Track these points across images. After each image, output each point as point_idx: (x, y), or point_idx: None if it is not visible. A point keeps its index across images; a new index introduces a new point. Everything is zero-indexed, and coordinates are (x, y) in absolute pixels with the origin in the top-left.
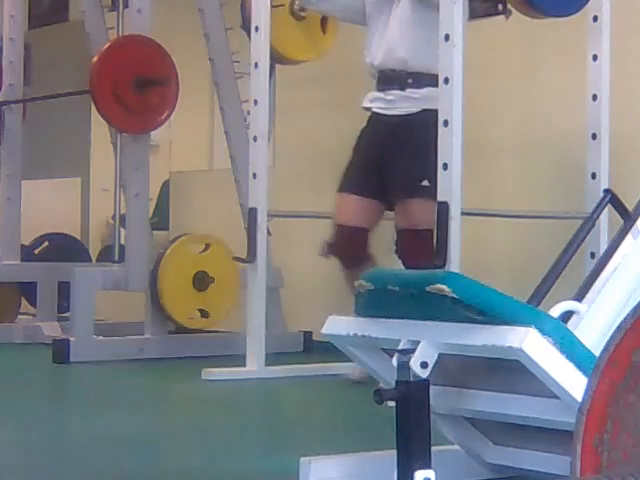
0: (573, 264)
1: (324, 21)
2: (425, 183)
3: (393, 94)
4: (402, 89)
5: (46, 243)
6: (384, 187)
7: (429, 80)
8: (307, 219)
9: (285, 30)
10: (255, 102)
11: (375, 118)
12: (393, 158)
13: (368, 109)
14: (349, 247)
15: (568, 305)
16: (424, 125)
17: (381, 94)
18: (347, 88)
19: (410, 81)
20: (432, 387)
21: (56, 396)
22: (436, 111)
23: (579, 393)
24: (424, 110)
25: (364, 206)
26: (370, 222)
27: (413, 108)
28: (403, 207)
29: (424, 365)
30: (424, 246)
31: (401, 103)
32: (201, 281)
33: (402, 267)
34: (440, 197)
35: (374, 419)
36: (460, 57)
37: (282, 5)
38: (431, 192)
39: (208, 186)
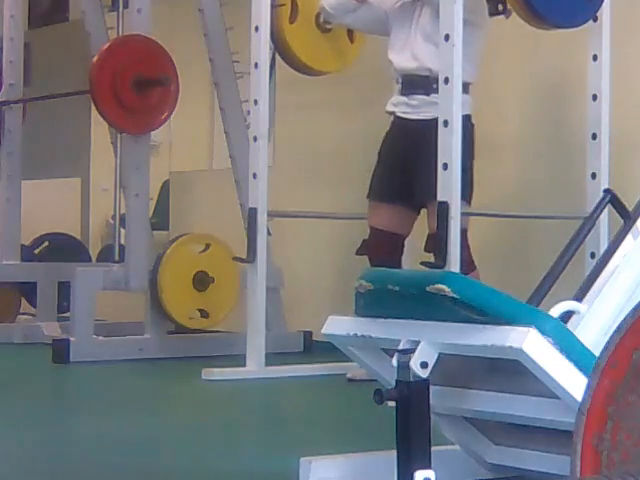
0: (573, 264)
1: (350, 30)
2: None
3: (417, 99)
4: (427, 94)
5: (46, 243)
6: (411, 191)
7: None
8: (307, 219)
9: (311, 42)
10: (255, 102)
11: (399, 122)
12: (419, 161)
13: (391, 113)
14: (383, 250)
15: (568, 305)
16: None
17: (405, 98)
18: (347, 88)
19: (435, 86)
20: (432, 387)
21: (56, 396)
22: (462, 117)
23: (579, 393)
24: None
25: (396, 213)
26: (404, 229)
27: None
28: (432, 208)
29: (424, 365)
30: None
31: (425, 108)
32: (201, 281)
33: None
34: (440, 197)
35: (374, 419)
36: (460, 57)
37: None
38: (462, 192)
39: (208, 186)
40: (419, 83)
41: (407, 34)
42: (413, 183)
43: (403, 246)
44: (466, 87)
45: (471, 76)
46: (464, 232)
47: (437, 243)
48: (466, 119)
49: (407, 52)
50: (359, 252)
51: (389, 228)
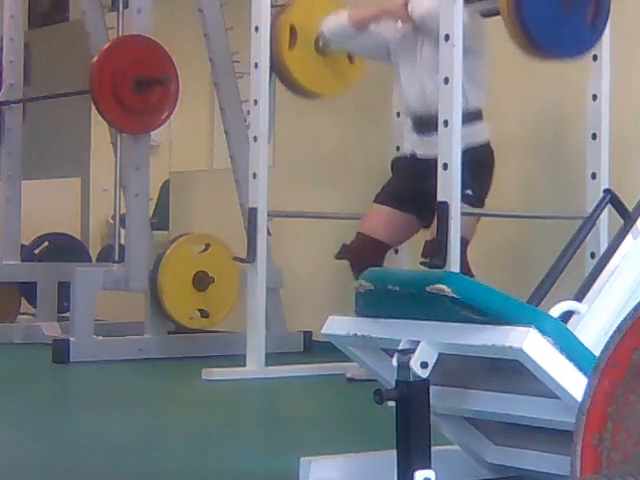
0: (573, 264)
1: None
2: (468, 192)
3: (432, 138)
4: None
5: (46, 243)
6: (424, 202)
7: (466, 118)
8: (307, 219)
9: (311, 67)
10: (255, 102)
11: (418, 162)
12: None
13: (412, 154)
14: (363, 257)
15: (568, 305)
16: (469, 160)
17: (420, 137)
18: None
19: None
20: (432, 387)
21: (56, 396)
22: (480, 146)
23: (579, 393)
24: (467, 148)
25: (397, 220)
26: (394, 238)
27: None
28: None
29: (424, 365)
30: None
31: None
32: (201, 281)
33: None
34: (440, 197)
35: (374, 419)
36: (460, 57)
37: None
38: (472, 201)
39: (208, 186)
40: (431, 122)
41: (412, 67)
42: (429, 200)
43: (385, 254)
44: (479, 114)
45: (482, 101)
46: (464, 242)
47: (437, 244)
48: (486, 146)
49: (415, 89)
50: (339, 256)
51: (378, 235)
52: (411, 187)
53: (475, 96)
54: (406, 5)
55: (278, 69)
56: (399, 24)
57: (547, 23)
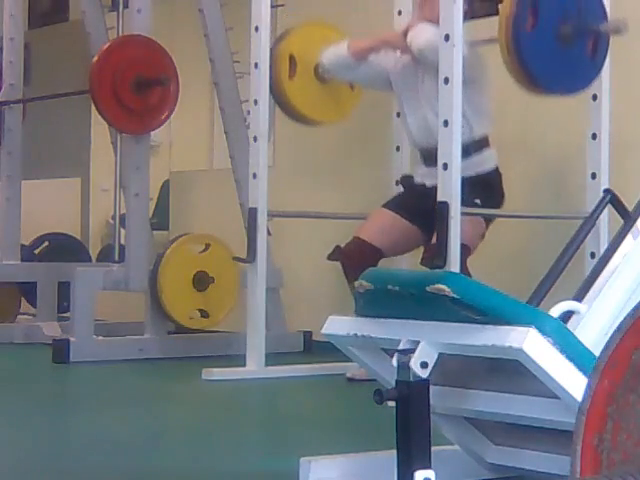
0: (573, 264)
1: None
2: (477, 201)
3: None
4: None
5: (46, 243)
6: (430, 218)
7: (474, 147)
8: (307, 219)
9: (311, 95)
10: (255, 102)
11: (429, 191)
12: None
13: (421, 185)
14: (356, 262)
15: (568, 305)
16: (479, 185)
17: (428, 169)
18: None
19: None
20: (432, 387)
21: (56, 396)
22: (489, 172)
23: (579, 393)
24: (477, 175)
25: (399, 227)
26: (391, 247)
27: (465, 175)
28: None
29: (424, 365)
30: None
31: None
32: (201, 281)
33: None
34: (440, 197)
35: (374, 419)
36: (460, 57)
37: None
38: (477, 204)
39: (208, 186)
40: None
41: (414, 100)
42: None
43: (378, 261)
44: (486, 140)
45: (487, 128)
46: (466, 249)
47: (437, 244)
48: (495, 172)
49: (418, 123)
50: (331, 257)
51: (375, 242)
52: (419, 203)
53: (480, 124)
54: (405, 35)
55: (279, 99)
56: (399, 54)
57: (546, 60)
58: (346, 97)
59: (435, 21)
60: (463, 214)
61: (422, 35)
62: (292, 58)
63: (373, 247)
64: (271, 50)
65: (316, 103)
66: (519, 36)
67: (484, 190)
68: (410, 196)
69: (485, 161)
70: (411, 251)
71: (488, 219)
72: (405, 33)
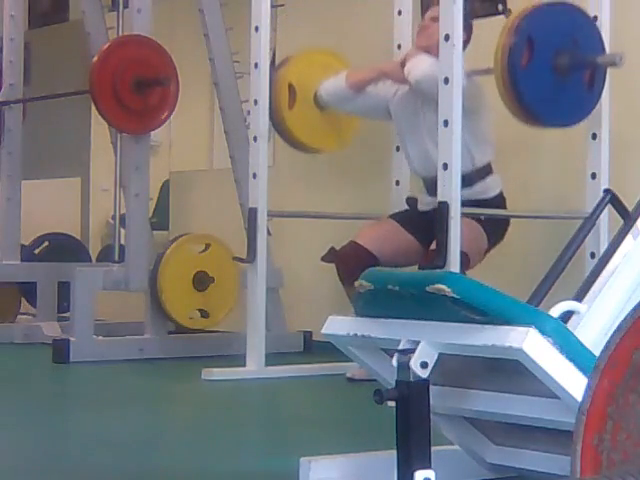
0: (573, 264)
1: None
2: (481, 217)
3: None
4: None
5: (46, 243)
6: (433, 236)
7: (477, 175)
8: (307, 219)
9: (311, 124)
10: (255, 102)
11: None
12: None
13: (425, 212)
14: (350, 266)
15: (568, 305)
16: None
17: (432, 198)
18: None
19: None
20: (432, 387)
21: (56, 396)
22: (493, 198)
23: (579, 393)
24: (481, 200)
25: (399, 238)
26: (388, 256)
27: (470, 199)
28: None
29: (424, 365)
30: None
31: None
32: (201, 281)
33: None
34: (440, 197)
35: (374, 419)
36: (460, 57)
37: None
38: (481, 221)
39: (208, 186)
40: None
41: (414, 131)
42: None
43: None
44: (489, 167)
45: (489, 156)
46: (466, 258)
47: (437, 244)
48: (499, 197)
49: (420, 154)
50: (325, 259)
51: (372, 248)
52: (424, 222)
53: (481, 152)
54: (403, 65)
55: (279, 128)
56: (397, 84)
57: (542, 93)
58: (346, 125)
59: (432, 50)
60: (464, 214)
61: (419, 67)
62: (291, 87)
63: (369, 253)
64: (270, 78)
65: (316, 132)
66: (515, 70)
67: (489, 219)
68: (415, 214)
69: (489, 188)
70: (409, 266)
71: (492, 243)
72: (403, 63)
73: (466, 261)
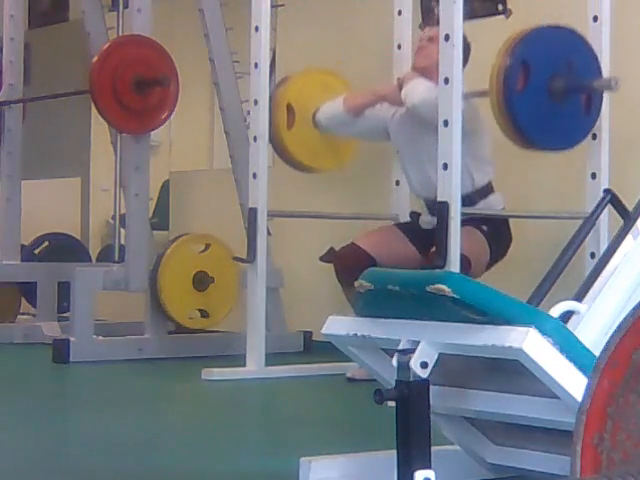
0: (573, 264)
1: None
2: (484, 227)
3: None
4: None
5: (46, 243)
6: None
7: (478, 195)
8: (307, 219)
9: (310, 144)
10: (255, 102)
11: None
12: None
13: (427, 230)
14: (348, 266)
15: (568, 305)
16: (486, 226)
17: (433, 219)
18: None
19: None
20: (432, 387)
21: (56, 396)
22: (497, 219)
23: (579, 393)
24: (483, 219)
25: (400, 246)
26: (387, 260)
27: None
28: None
29: (424, 365)
30: None
31: None
32: (201, 281)
33: None
34: (440, 197)
35: (374, 419)
36: (460, 57)
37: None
38: (484, 230)
39: (208, 186)
40: None
41: (413, 153)
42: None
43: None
44: (490, 186)
45: (490, 174)
46: (467, 262)
47: (437, 244)
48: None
49: (419, 176)
50: (323, 259)
51: (372, 251)
52: (426, 235)
53: (481, 172)
54: (401, 87)
55: (277, 148)
56: (395, 107)
57: (539, 119)
58: (345, 145)
59: (429, 70)
60: (464, 214)
61: (416, 91)
62: (290, 107)
63: (367, 255)
64: (270, 96)
65: (315, 152)
66: (510, 93)
67: (491, 232)
68: (417, 227)
69: (492, 206)
70: None
71: (494, 258)
72: (400, 86)
73: (467, 265)
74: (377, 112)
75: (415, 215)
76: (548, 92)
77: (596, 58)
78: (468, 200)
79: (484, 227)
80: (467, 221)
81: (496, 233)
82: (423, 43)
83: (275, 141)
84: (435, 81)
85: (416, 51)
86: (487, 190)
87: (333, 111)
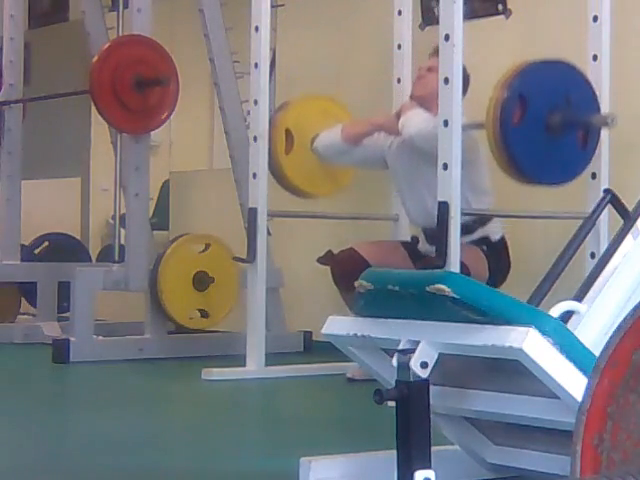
0: (573, 264)
1: None
2: (484, 247)
3: None
4: None
5: (46, 243)
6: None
7: (477, 223)
8: (307, 219)
9: (308, 170)
10: (255, 102)
11: None
12: None
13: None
14: (345, 271)
15: (568, 305)
16: (486, 251)
17: (431, 248)
18: (346, 89)
19: None
20: (432, 387)
21: (56, 396)
22: (495, 242)
23: (579, 393)
24: (482, 239)
25: (398, 259)
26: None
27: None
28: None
29: (424, 365)
30: None
31: None
32: (201, 281)
33: None
34: (440, 197)
35: (374, 419)
36: (460, 57)
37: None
38: (484, 249)
39: (208, 186)
40: None
41: (410, 182)
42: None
43: None
44: (482, 217)
45: (488, 204)
46: (466, 269)
47: (437, 244)
48: (500, 241)
49: (417, 206)
50: (321, 261)
51: (370, 258)
52: (425, 256)
53: (479, 202)
54: (398, 117)
55: (276, 174)
56: (393, 136)
57: (535, 153)
58: (342, 171)
59: (427, 99)
60: (464, 214)
61: (413, 121)
62: (288, 132)
63: (364, 261)
64: (269, 122)
65: (313, 177)
66: (506, 127)
67: (491, 253)
68: (417, 248)
69: (491, 233)
70: None
71: (492, 282)
72: (398, 115)
73: (466, 272)
74: (375, 141)
75: (415, 239)
76: (545, 126)
77: (594, 94)
78: (466, 229)
79: (484, 247)
80: (468, 244)
81: (496, 255)
82: (422, 72)
83: (273, 166)
84: (433, 111)
85: (415, 80)
86: (485, 218)
87: (331, 140)
